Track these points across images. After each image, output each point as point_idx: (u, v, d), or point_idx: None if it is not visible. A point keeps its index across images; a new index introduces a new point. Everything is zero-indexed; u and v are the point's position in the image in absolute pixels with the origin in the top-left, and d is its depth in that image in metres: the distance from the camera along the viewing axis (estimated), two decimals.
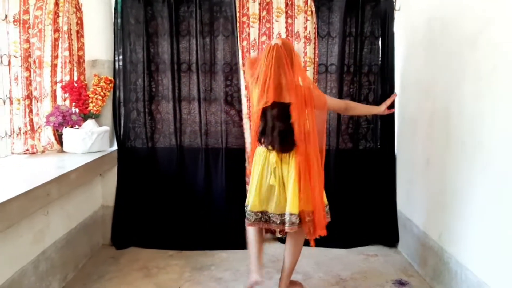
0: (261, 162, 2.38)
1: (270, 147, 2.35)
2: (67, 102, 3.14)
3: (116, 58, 3.28)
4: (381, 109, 2.71)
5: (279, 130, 2.30)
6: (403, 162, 3.26)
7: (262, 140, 2.39)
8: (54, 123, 2.91)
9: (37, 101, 2.88)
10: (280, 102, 2.27)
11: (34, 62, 2.82)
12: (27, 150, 2.79)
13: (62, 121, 2.92)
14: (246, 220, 2.44)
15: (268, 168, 2.36)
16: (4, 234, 1.87)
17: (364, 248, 3.31)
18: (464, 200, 2.35)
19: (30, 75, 2.76)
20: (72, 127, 3.02)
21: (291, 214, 2.31)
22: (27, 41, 2.73)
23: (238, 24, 3.22)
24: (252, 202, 2.39)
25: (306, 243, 2.51)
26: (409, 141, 3.15)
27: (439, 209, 2.65)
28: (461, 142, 2.37)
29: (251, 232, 2.51)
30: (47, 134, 3.03)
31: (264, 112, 2.34)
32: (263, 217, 2.42)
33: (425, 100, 2.85)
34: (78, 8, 3.17)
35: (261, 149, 2.41)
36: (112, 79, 3.23)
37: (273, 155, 2.34)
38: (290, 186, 2.31)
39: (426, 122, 2.85)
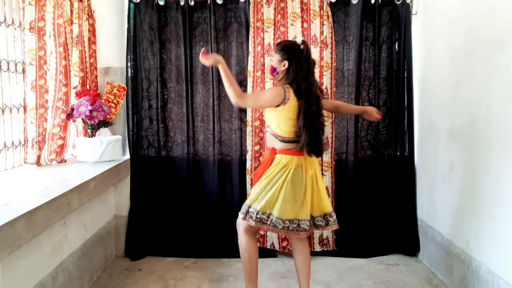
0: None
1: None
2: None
3: (129, 65, 3.23)
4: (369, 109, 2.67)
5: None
6: (423, 169, 3.20)
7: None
8: (85, 113, 2.82)
9: (53, 110, 2.82)
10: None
11: (49, 70, 2.77)
12: (52, 159, 2.80)
13: (91, 108, 2.83)
14: (272, 227, 2.28)
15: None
16: (26, 245, 1.80)
17: (384, 258, 3.23)
18: (494, 205, 2.28)
19: (45, 83, 2.70)
20: (105, 119, 2.96)
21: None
22: (42, 48, 2.68)
23: (252, 29, 3.17)
24: (282, 209, 2.28)
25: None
26: (430, 147, 3.09)
27: (465, 215, 2.58)
28: (489, 146, 2.31)
29: (252, 247, 2.43)
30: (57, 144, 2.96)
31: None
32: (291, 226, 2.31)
33: (447, 104, 2.80)
34: (90, 15, 3.13)
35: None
36: (125, 87, 3.18)
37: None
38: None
39: (448, 127, 2.79)
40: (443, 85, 2.86)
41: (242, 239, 2.43)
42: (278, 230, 2.28)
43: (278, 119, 2.31)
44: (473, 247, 2.49)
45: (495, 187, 2.26)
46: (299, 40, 2.36)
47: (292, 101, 2.27)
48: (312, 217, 2.35)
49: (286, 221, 2.26)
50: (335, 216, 2.41)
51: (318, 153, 2.33)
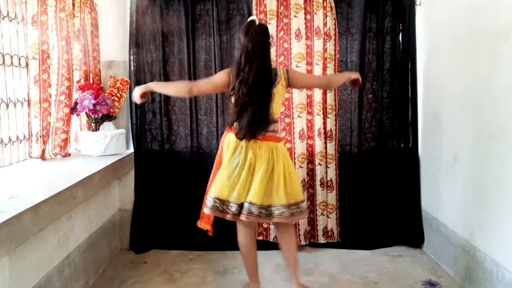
0: None
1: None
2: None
3: (131, 58, 3.22)
4: (351, 76, 2.53)
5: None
6: (427, 160, 3.19)
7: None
8: (89, 107, 2.83)
9: (55, 104, 2.82)
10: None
11: (52, 64, 2.77)
12: (56, 153, 2.80)
13: (95, 102, 2.83)
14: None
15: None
16: (33, 239, 1.81)
17: (388, 249, 3.23)
18: (498, 196, 2.27)
19: (49, 77, 2.70)
20: (108, 113, 2.96)
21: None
22: (45, 42, 2.67)
23: None
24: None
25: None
26: (434, 138, 3.08)
27: (469, 206, 2.58)
28: (494, 136, 2.30)
29: (243, 241, 2.43)
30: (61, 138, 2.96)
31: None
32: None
33: (451, 95, 2.78)
34: (92, 9, 3.12)
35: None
36: (128, 80, 3.18)
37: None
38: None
39: (452, 117, 2.78)
40: (447, 76, 2.84)
41: (238, 233, 2.45)
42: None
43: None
44: (478, 238, 2.49)
45: (499, 178, 2.26)
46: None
47: (234, 83, 2.25)
48: (250, 204, 2.22)
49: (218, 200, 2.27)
50: (282, 210, 2.24)
51: (242, 137, 2.24)
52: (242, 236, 2.42)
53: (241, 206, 2.25)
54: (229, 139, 2.33)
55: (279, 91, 2.31)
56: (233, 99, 2.27)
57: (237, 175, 2.26)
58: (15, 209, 1.62)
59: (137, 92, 2.33)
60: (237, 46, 3.22)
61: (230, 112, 2.34)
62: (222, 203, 2.27)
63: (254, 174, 2.25)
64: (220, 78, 2.32)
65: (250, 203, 2.21)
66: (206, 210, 2.34)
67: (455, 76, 2.73)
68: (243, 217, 2.23)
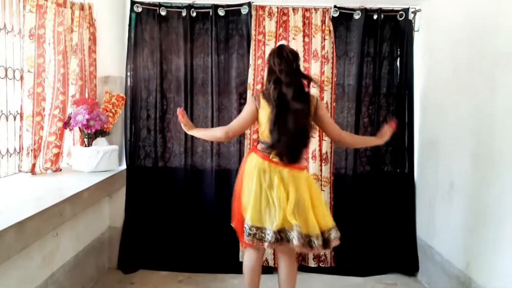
0: None
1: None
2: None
3: (128, 74, 3.20)
4: (380, 141, 2.50)
5: None
6: (424, 186, 3.16)
7: None
8: (82, 122, 2.79)
9: (49, 118, 2.78)
10: None
11: (47, 78, 2.74)
12: (47, 168, 2.75)
13: (89, 117, 2.79)
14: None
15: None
16: (16, 256, 1.74)
17: (382, 277, 3.17)
18: (495, 226, 2.24)
19: (43, 91, 2.67)
20: (102, 129, 2.93)
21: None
22: (42, 55, 2.65)
23: (253, 42, 3.16)
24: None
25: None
26: (430, 164, 3.05)
27: (465, 235, 2.54)
28: (491, 164, 2.28)
29: (251, 267, 2.34)
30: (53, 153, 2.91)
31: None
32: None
33: (449, 121, 2.77)
34: (91, 24, 3.11)
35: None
36: (124, 96, 3.15)
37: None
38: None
39: (449, 143, 2.76)
40: (445, 102, 2.84)
41: (245, 258, 2.38)
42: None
43: (258, 123, 2.30)
44: (473, 269, 2.44)
45: (497, 207, 2.22)
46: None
47: (264, 105, 2.22)
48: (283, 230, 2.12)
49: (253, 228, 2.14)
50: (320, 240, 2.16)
51: (283, 159, 2.17)
52: (250, 260, 2.33)
53: (277, 233, 2.10)
54: (254, 161, 2.24)
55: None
56: (263, 123, 2.22)
57: (266, 199, 2.15)
58: None
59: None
60: (234, 65, 3.23)
61: (263, 134, 2.26)
62: (260, 230, 2.13)
63: (285, 199, 2.14)
64: (248, 110, 2.28)
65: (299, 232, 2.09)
66: (246, 239, 2.15)
67: (453, 102, 2.72)
68: (295, 243, 2.08)
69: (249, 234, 2.12)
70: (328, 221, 2.24)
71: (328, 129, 2.37)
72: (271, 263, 3.14)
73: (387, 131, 2.48)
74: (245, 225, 2.15)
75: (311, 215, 2.17)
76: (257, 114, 2.26)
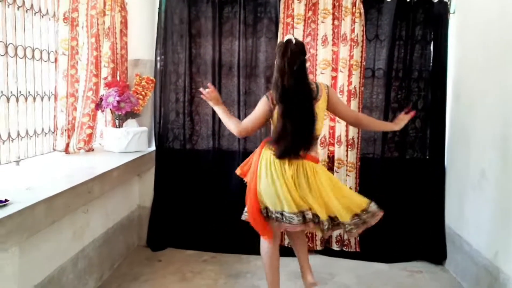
0: None
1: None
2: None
3: (158, 58, 3.26)
4: (396, 127, 2.44)
5: None
6: (454, 174, 3.07)
7: None
8: (113, 104, 2.88)
9: (82, 99, 2.88)
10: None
11: (80, 60, 2.83)
12: (80, 148, 2.85)
13: (119, 99, 2.87)
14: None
15: None
16: (47, 230, 1.84)
17: (407, 264, 3.12)
18: None
19: (76, 73, 2.77)
20: (132, 111, 3.00)
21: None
22: (75, 38, 2.74)
23: (282, 25, 3.14)
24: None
25: None
26: (461, 151, 2.96)
27: (495, 225, 2.46)
28: None
29: (267, 253, 2.37)
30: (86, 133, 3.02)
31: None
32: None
33: (482, 108, 2.67)
34: (123, 7, 3.18)
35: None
36: (154, 79, 3.22)
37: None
38: None
39: (480, 131, 2.67)
40: (477, 89, 2.73)
41: (261, 242, 2.41)
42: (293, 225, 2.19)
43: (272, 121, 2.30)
44: (502, 259, 2.37)
45: None
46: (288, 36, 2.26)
47: (277, 105, 2.20)
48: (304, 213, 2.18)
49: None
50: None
51: (281, 156, 2.18)
52: (267, 245, 2.36)
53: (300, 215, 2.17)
54: (266, 157, 2.25)
55: (321, 107, 2.25)
56: (274, 121, 2.25)
57: (281, 188, 2.18)
58: (29, 200, 1.65)
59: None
60: (262, 49, 3.22)
61: (274, 130, 2.28)
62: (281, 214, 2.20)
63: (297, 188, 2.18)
64: (261, 110, 2.27)
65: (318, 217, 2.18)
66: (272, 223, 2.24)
67: (485, 89, 2.62)
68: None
69: (276, 218, 2.19)
70: (359, 202, 2.26)
71: (343, 114, 2.39)
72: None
73: (404, 118, 2.42)
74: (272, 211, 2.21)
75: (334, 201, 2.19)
76: (271, 114, 2.25)
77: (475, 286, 2.64)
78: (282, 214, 2.19)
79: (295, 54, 2.17)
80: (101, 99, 2.95)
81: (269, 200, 2.21)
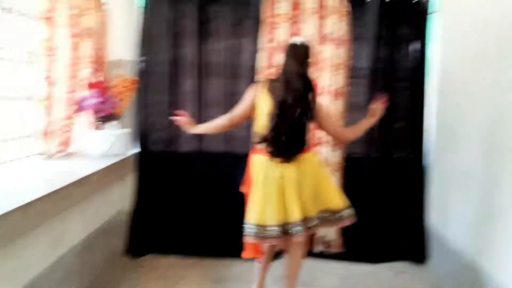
0: None
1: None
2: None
3: (140, 59, 3.19)
4: (373, 120, 2.47)
5: None
6: (438, 173, 3.09)
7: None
8: (92, 106, 2.81)
9: (62, 101, 2.80)
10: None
11: (58, 61, 2.75)
12: (60, 151, 2.75)
13: (99, 101, 2.81)
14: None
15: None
16: (24, 237, 1.77)
17: (392, 264, 3.14)
18: (508, 216, 2.17)
19: (55, 74, 2.69)
20: (113, 112, 2.93)
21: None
22: (53, 39, 2.66)
23: (266, 25, 3.11)
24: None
25: None
26: (445, 151, 2.98)
27: (478, 225, 2.48)
28: (506, 152, 2.20)
29: (269, 248, 2.45)
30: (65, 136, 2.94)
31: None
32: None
33: (467, 107, 2.68)
34: (103, 8, 3.10)
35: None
36: (135, 80, 3.15)
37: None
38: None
39: (467, 130, 2.68)
40: (463, 88, 2.74)
41: None
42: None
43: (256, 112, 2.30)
44: (484, 258, 2.39)
45: (509, 198, 2.16)
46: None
47: (267, 96, 2.21)
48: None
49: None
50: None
51: (278, 156, 2.20)
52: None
53: (282, 227, 2.18)
54: (258, 161, 2.29)
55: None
56: (262, 114, 2.23)
57: (270, 197, 2.20)
58: (4, 207, 1.59)
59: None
60: (246, 49, 3.18)
61: (259, 131, 2.28)
62: (263, 228, 2.19)
63: (286, 194, 2.20)
64: (247, 99, 2.32)
65: (294, 224, 2.17)
66: (248, 238, 2.25)
67: (470, 89, 2.63)
68: (297, 237, 2.19)
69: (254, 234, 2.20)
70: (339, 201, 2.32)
71: (327, 129, 2.41)
72: None
73: (376, 109, 2.45)
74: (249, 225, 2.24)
75: (323, 195, 2.27)
76: (255, 103, 2.27)
77: (457, 285, 2.66)
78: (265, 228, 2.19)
79: (300, 58, 2.20)
80: (81, 101, 2.88)
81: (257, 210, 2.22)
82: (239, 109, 2.37)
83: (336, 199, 2.32)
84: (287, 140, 2.16)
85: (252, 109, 2.30)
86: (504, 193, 2.24)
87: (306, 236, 2.25)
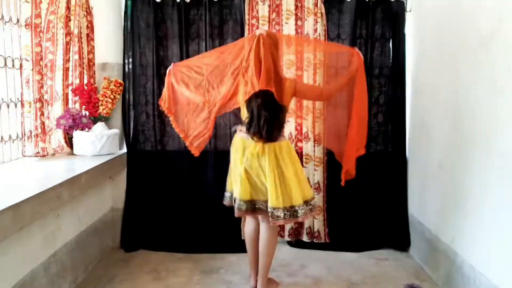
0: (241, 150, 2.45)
1: (256, 137, 2.36)
2: (78, 105, 3.14)
3: (126, 61, 3.29)
4: (352, 70, 2.59)
5: (265, 119, 2.34)
6: (415, 165, 3.23)
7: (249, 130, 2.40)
8: (65, 126, 2.92)
9: (48, 104, 2.90)
10: (265, 90, 2.28)
11: (46, 65, 2.84)
12: (38, 153, 2.80)
13: (72, 124, 2.93)
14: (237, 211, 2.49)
15: (248, 157, 2.40)
16: (16, 236, 1.88)
17: (375, 252, 3.27)
18: (477, 204, 2.32)
19: (42, 78, 2.78)
20: (82, 129, 3.02)
21: (274, 208, 2.35)
22: (39, 44, 2.75)
23: (247, 27, 3.21)
24: (240, 191, 2.43)
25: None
26: (421, 144, 3.12)
27: (451, 212, 2.62)
28: (473, 144, 2.34)
29: (248, 233, 2.63)
30: (57, 138, 3.03)
31: (249, 102, 2.39)
32: (251, 206, 2.46)
33: (437, 102, 2.82)
34: (88, 12, 3.19)
35: (239, 138, 2.49)
36: (122, 82, 3.25)
37: (256, 144, 2.37)
38: (269, 179, 2.35)
39: (438, 124, 2.82)
40: (433, 84, 2.88)
41: (245, 223, 2.73)
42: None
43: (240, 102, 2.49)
44: (458, 243, 2.53)
45: (478, 186, 2.30)
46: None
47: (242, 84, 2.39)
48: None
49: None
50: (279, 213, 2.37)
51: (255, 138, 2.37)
52: (248, 226, 2.64)
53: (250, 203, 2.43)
54: (234, 140, 2.55)
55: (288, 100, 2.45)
56: (244, 107, 2.44)
57: (240, 174, 2.43)
58: None
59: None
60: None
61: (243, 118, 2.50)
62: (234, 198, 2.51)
63: (259, 176, 2.39)
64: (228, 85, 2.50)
65: (272, 207, 2.36)
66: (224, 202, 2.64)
67: (441, 83, 2.77)
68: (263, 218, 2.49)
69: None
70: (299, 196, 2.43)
71: (312, 97, 2.75)
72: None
73: (352, 61, 2.62)
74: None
75: (294, 186, 2.39)
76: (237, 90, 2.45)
77: (436, 270, 2.80)
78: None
79: (265, 46, 2.32)
80: (58, 120, 2.94)
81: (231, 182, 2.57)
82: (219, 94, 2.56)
83: (297, 194, 2.40)
84: (264, 124, 2.33)
85: (234, 93, 2.49)
86: (469, 182, 2.39)
87: (272, 222, 2.38)
